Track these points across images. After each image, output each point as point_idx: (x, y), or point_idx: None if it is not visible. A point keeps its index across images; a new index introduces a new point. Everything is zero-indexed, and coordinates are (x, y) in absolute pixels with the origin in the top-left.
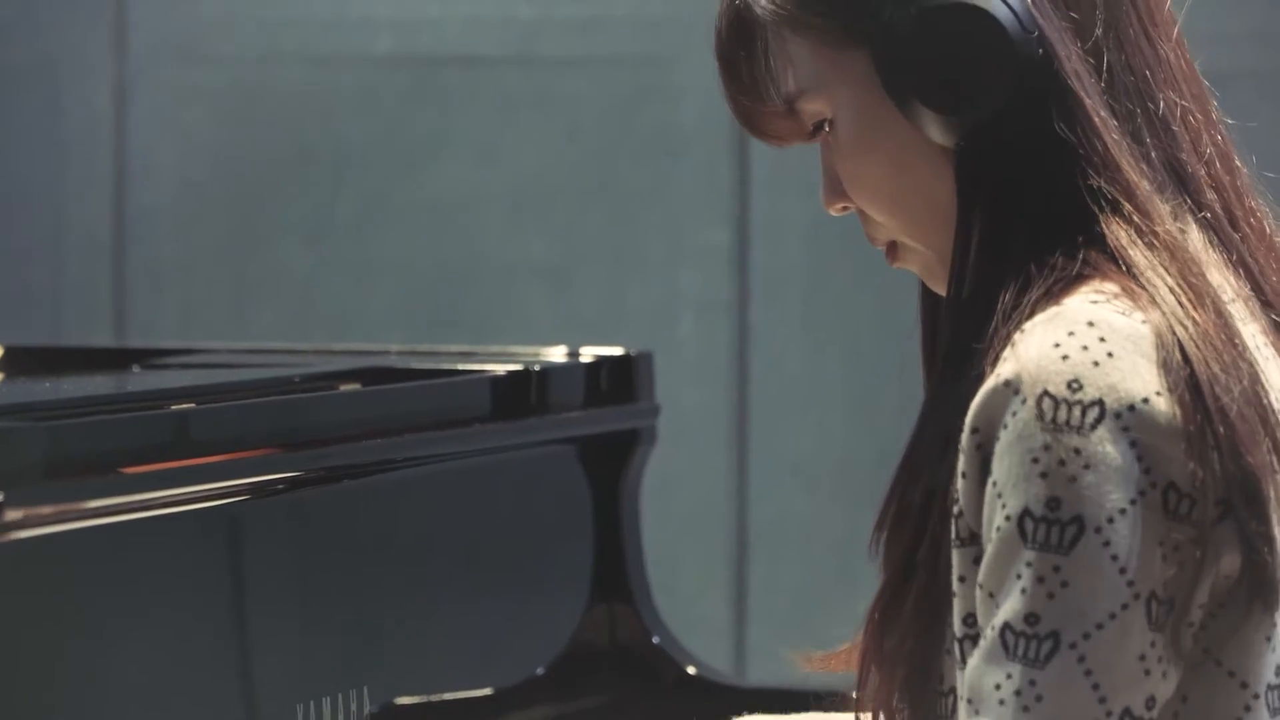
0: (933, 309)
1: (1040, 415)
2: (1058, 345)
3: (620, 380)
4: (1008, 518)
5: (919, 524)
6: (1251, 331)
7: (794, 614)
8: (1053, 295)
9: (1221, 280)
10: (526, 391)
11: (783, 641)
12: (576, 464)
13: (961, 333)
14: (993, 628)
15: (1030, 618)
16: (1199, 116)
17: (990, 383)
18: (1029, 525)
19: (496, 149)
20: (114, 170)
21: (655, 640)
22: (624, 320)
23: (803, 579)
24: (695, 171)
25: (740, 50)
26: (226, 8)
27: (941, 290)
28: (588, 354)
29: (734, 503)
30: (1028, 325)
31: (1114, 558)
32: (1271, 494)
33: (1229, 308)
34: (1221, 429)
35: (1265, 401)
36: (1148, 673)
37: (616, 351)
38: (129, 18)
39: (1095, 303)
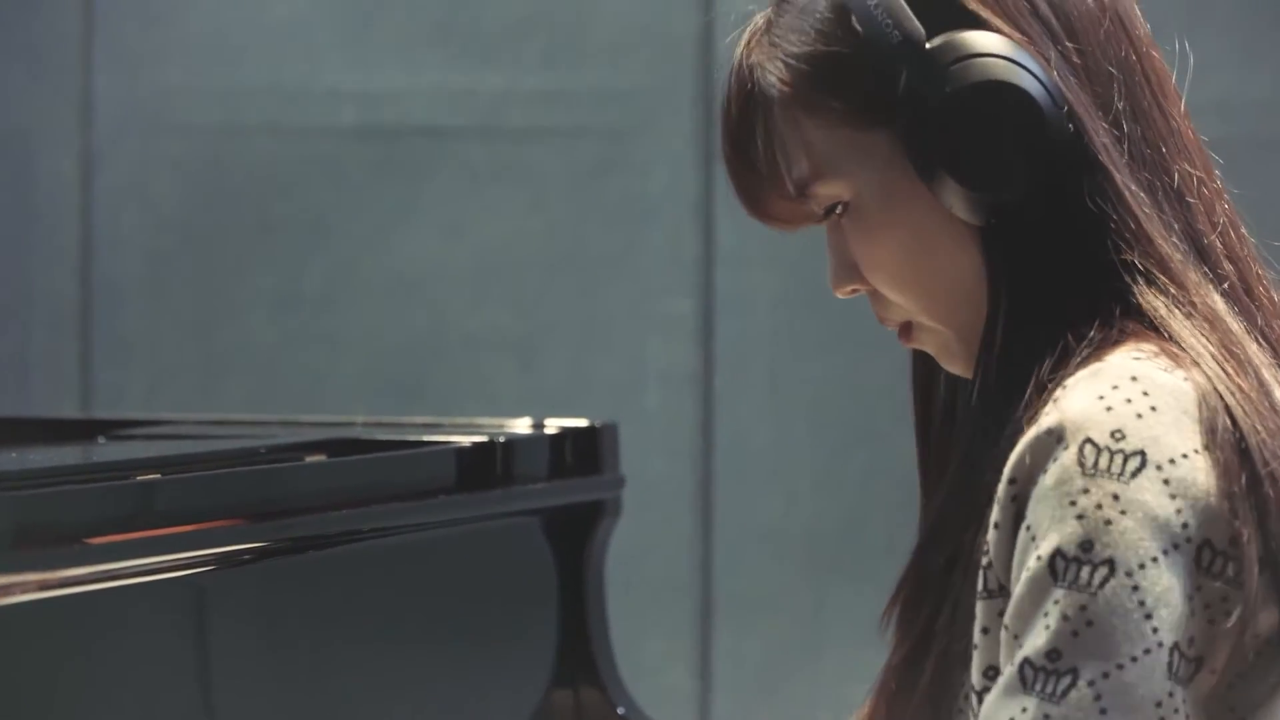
0: (926, 394)
1: (1081, 461)
2: (1102, 397)
3: (585, 452)
4: (1039, 558)
5: (942, 590)
6: None
7: (760, 685)
8: (1093, 357)
9: (1254, 351)
10: (491, 463)
11: (748, 712)
12: (541, 535)
13: (993, 404)
14: (1013, 663)
15: (1052, 654)
16: (1210, 187)
17: (1031, 433)
18: (1060, 564)
19: (462, 220)
20: (81, 240)
21: (621, 712)
22: (590, 391)
23: (769, 650)
24: (661, 242)
25: (749, 132)
26: (193, 79)
27: (957, 370)
28: (553, 425)
29: (700, 573)
30: (1069, 381)
31: (1141, 603)
32: None
33: (1266, 374)
34: (1271, 493)
35: None
36: None
37: (581, 423)
38: (96, 89)
39: (1138, 359)
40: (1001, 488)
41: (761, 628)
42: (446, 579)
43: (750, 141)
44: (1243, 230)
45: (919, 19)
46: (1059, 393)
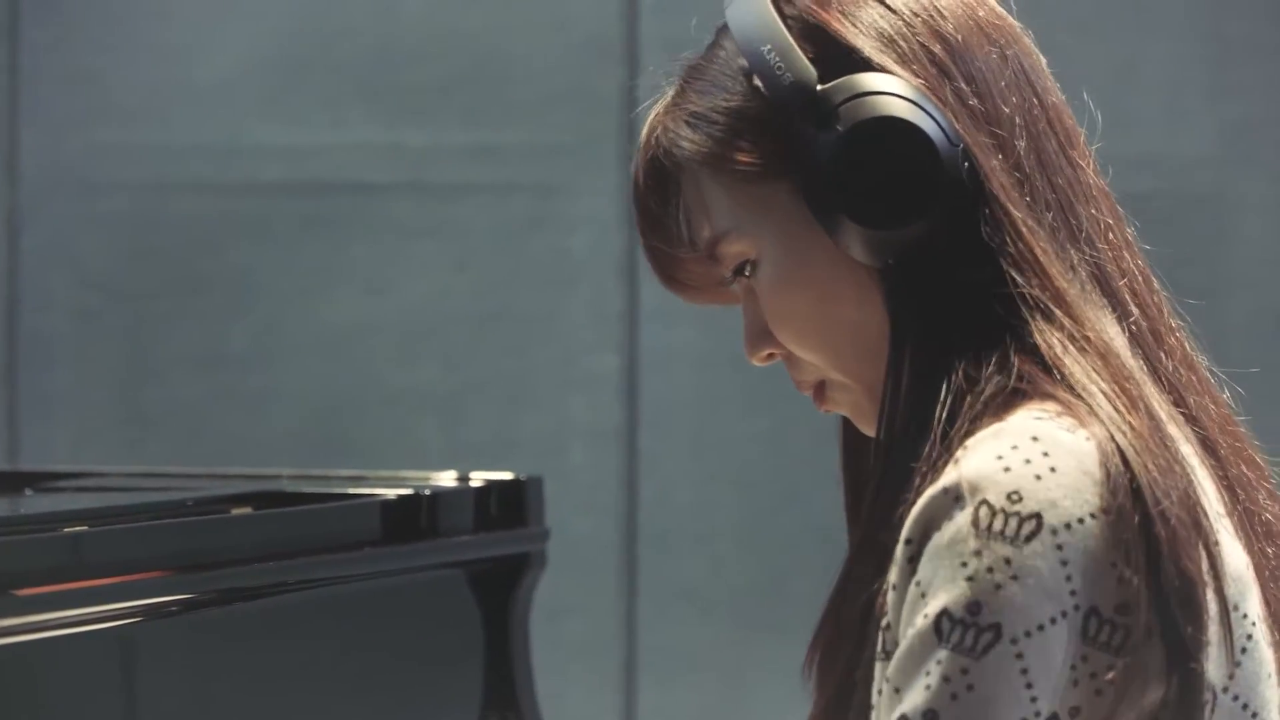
0: (856, 455)
1: (976, 522)
2: (1000, 458)
3: (510, 504)
4: (926, 616)
5: (858, 642)
6: (1184, 450)
7: None
8: (994, 413)
9: (1151, 390)
10: (417, 515)
11: None
12: (466, 588)
13: (899, 454)
14: (892, 718)
15: (929, 714)
16: (1119, 235)
17: (929, 491)
18: (946, 625)
19: (388, 276)
20: (7, 298)
21: None
22: (515, 448)
23: (693, 707)
24: (586, 299)
25: (658, 199)
26: (119, 136)
27: (870, 431)
28: (478, 478)
29: (624, 630)
30: (971, 442)
31: (1024, 671)
32: (1205, 601)
33: (1160, 412)
34: (1162, 533)
35: (1199, 507)
36: None
37: (506, 476)
38: (21, 145)
39: (1040, 419)
40: (899, 548)
41: (686, 685)
42: (372, 631)
43: (660, 209)
44: (1154, 282)
45: (814, 67)
46: (960, 452)
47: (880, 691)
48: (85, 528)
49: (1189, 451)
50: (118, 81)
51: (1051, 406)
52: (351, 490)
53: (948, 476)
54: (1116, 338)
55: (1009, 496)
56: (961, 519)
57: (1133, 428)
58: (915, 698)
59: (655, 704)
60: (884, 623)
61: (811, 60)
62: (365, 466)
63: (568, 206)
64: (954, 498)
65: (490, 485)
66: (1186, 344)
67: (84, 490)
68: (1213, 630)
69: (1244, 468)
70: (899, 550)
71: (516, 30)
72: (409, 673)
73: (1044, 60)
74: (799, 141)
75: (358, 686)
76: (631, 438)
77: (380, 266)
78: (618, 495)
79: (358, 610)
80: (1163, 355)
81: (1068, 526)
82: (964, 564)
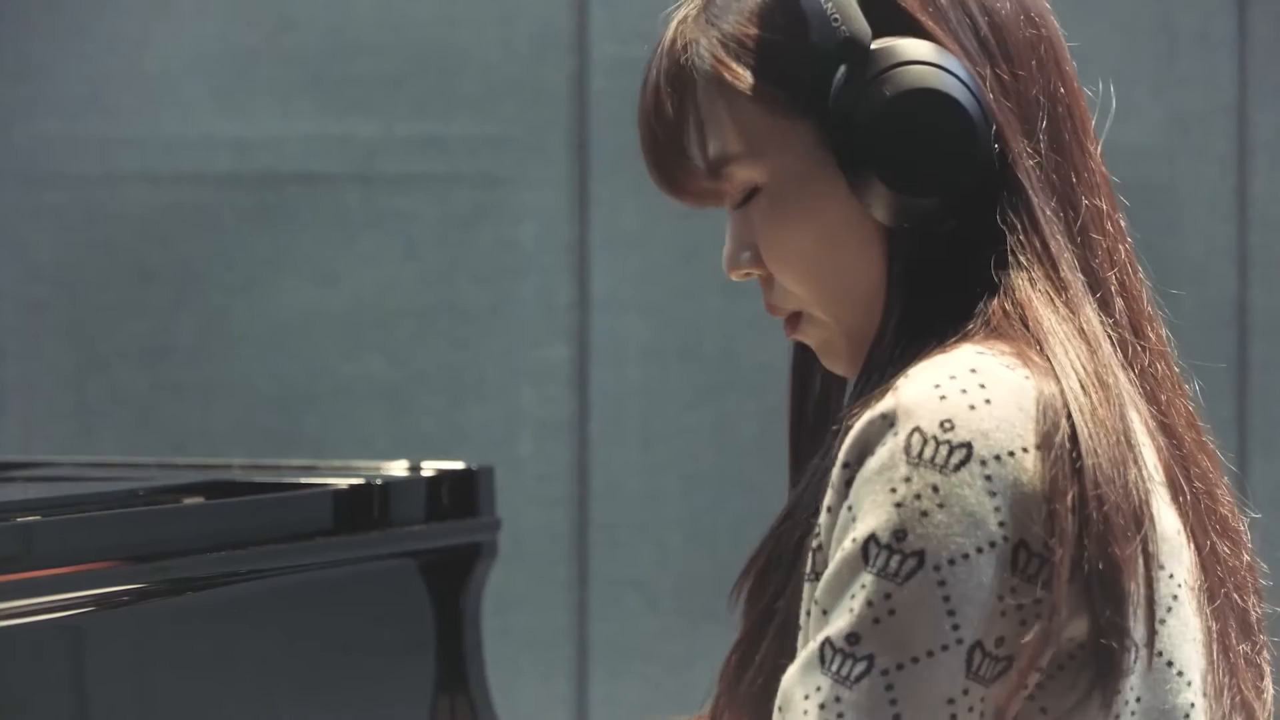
0: (804, 379)
1: (907, 449)
2: (937, 386)
3: (461, 494)
4: (854, 540)
5: (787, 571)
6: (1147, 445)
7: None
8: (944, 349)
9: (1126, 386)
10: (368, 505)
11: None
12: (418, 577)
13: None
14: (815, 640)
15: (851, 637)
16: (1115, 224)
17: (866, 415)
18: (872, 550)
19: (336, 267)
20: None
21: None
22: (464, 438)
23: (643, 696)
24: (534, 289)
25: (673, 105)
26: (67, 127)
27: (836, 368)
28: (429, 468)
29: (575, 620)
30: (911, 370)
31: (945, 599)
32: (1132, 589)
33: (1132, 412)
34: (1095, 515)
35: (1144, 501)
36: (954, 717)
37: (458, 465)
38: None
39: (982, 354)
40: (836, 471)
41: (637, 674)
42: (324, 621)
43: (674, 114)
44: (1139, 272)
45: (866, 20)
46: (900, 380)
47: (809, 613)
48: (36, 518)
49: (1151, 447)
50: (63, 72)
51: (1002, 346)
52: (303, 480)
53: (885, 402)
54: (1102, 332)
55: (941, 424)
56: (893, 444)
57: (1095, 412)
58: (839, 621)
59: (606, 694)
60: (815, 544)
61: (864, 11)
62: (314, 457)
63: (516, 197)
64: (889, 423)
65: (442, 475)
66: (1163, 336)
67: (34, 480)
68: (1140, 592)
69: (1205, 464)
70: (836, 473)
71: (465, 21)
72: (361, 663)
73: (1066, 44)
74: (842, 94)
75: (309, 676)
76: (581, 428)
77: (329, 257)
78: (567, 486)
79: (309, 600)
80: (1141, 349)
81: (998, 458)
82: (893, 489)
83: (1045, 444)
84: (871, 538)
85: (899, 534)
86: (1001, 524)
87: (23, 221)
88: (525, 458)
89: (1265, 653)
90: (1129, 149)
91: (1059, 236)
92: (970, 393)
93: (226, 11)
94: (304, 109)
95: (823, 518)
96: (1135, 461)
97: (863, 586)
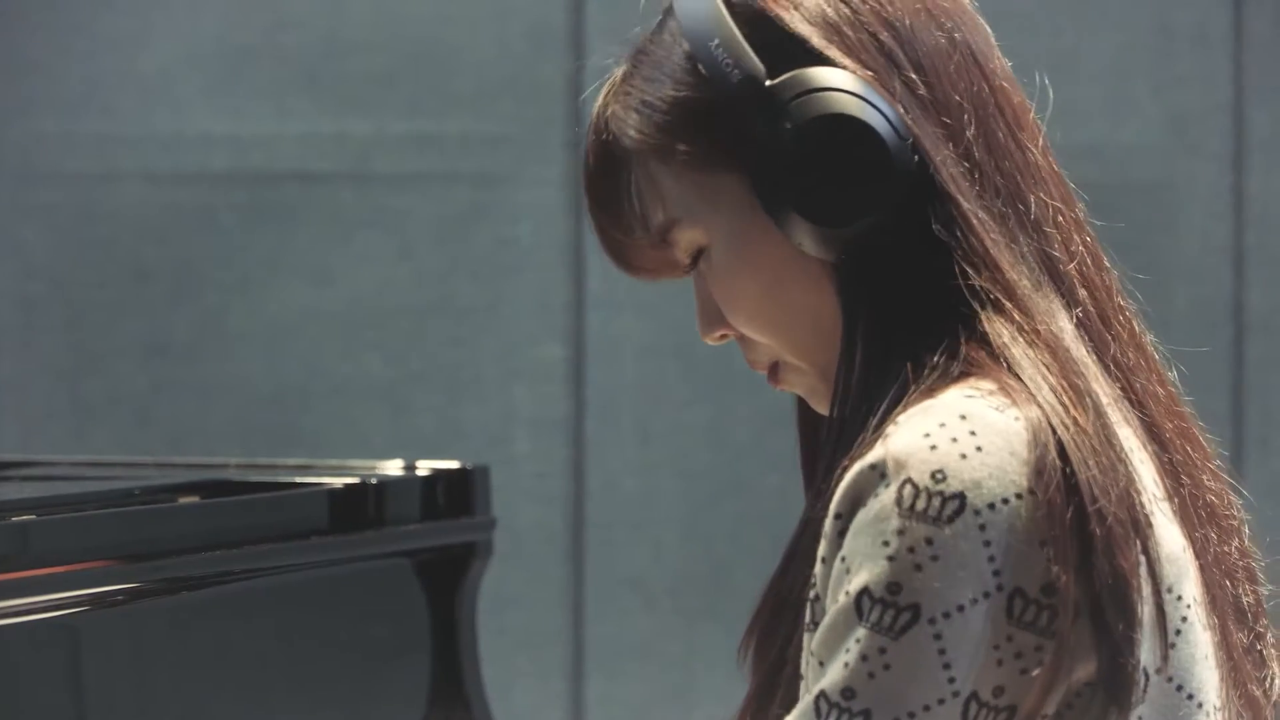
0: (812, 428)
1: (899, 501)
2: (927, 435)
3: (457, 494)
4: (848, 593)
5: (794, 620)
6: (1125, 434)
7: None
8: (930, 392)
9: (1098, 382)
10: (364, 504)
11: None
12: (413, 577)
13: (845, 440)
14: (810, 693)
15: (847, 691)
16: (1068, 217)
17: (857, 466)
18: (866, 604)
19: (332, 266)
20: None
21: None
22: (461, 437)
23: (640, 696)
24: (531, 288)
25: (609, 184)
26: (64, 125)
27: (824, 410)
28: (425, 467)
29: (571, 619)
30: (901, 417)
31: (941, 652)
32: (1138, 599)
33: (1107, 409)
34: (1098, 530)
35: (1138, 505)
36: None
37: (453, 465)
38: None
39: (970, 397)
40: (829, 522)
41: (633, 674)
42: (320, 620)
43: (610, 193)
44: (1104, 261)
45: (761, 58)
46: (890, 428)
47: (808, 663)
48: (32, 517)
49: (1129, 434)
50: (60, 70)
51: (985, 385)
52: (298, 479)
53: (875, 452)
54: (1066, 328)
55: (933, 475)
56: (886, 496)
57: (1076, 423)
58: (834, 674)
59: (602, 693)
60: (813, 595)
61: (758, 51)
62: (310, 456)
63: (512, 195)
64: (880, 474)
65: (437, 474)
66: (1135, 324)
67: (30, 479)
68: (1146, 613)
69: (1189, 450)
70: (828, 524)
71: (460, 19)
72: (356, 662)
73: (992, 35)
74: (748, 137)
75: (305, 675)
76: (577, 427)
77: (325, 256)
78: (564, 485)
79: (305, 599)
80: (1110, 339)
81: (991, 507)
82: (885, 542)
83: (1038, 484)
84: (865, 591)
85: (893, 587)
86: (996, 573)
87: (19, 220)
88: (521, 456)
89: (1268, 637)
90: (1125, 147)
91: (999, 237)
92: (961, 441)
93: (223, 11)
94: (300, 108)
95: (818, 568)
96: (1122, 460)
97: (857, 640)
